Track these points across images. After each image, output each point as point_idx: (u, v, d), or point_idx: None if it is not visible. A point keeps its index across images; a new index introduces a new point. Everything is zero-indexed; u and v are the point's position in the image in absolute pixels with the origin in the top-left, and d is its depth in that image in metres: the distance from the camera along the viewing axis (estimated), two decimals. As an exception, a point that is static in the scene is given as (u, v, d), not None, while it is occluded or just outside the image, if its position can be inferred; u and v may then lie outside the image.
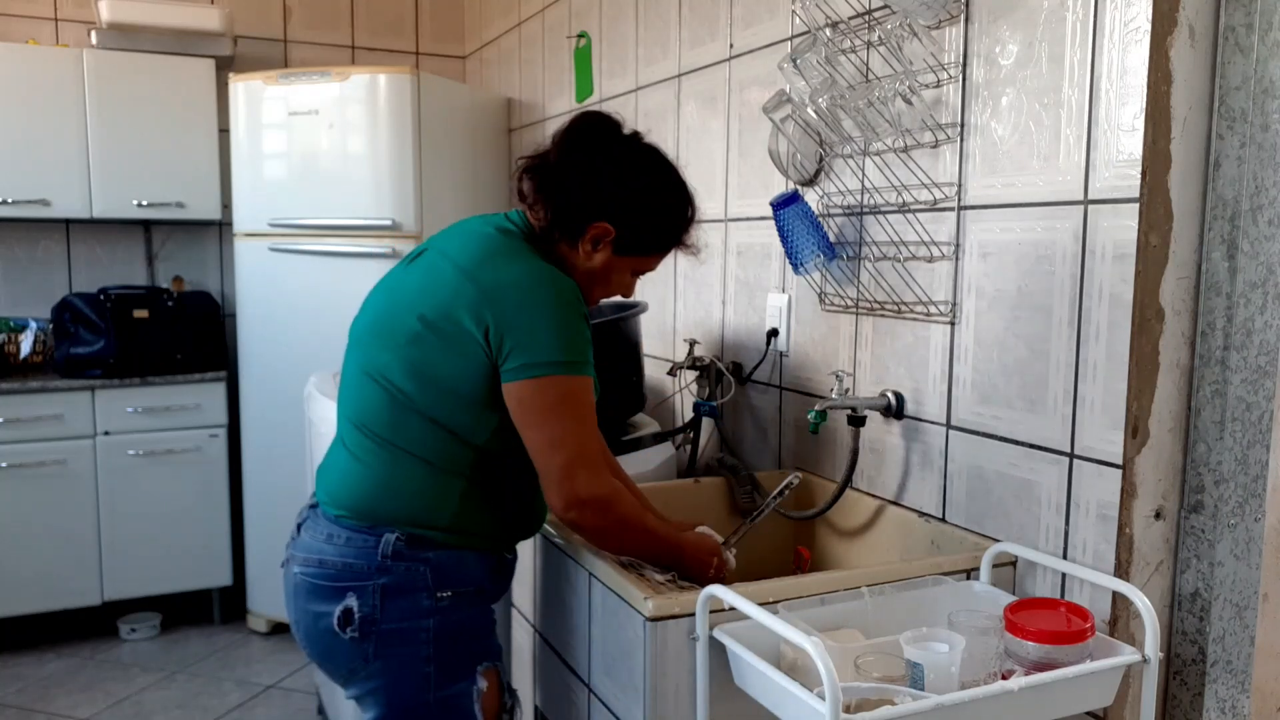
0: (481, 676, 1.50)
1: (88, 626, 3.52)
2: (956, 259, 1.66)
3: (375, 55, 4.10)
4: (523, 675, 1.86)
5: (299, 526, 1.56)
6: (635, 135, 1.55)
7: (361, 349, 1.53)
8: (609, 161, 1.50)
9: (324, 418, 2.45)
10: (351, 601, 1.44)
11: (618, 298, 1.65)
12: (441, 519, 1.46)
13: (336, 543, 1.47)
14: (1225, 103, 1.36)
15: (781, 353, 2.15)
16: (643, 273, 1.61)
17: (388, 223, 3.22)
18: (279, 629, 3.48)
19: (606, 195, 1.48)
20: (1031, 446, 1.53)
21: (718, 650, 1.30)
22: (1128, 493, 1.39)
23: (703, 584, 1.51)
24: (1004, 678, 1.21)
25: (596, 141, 1.52)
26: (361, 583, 1.44)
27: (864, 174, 1.86)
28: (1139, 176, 1.34)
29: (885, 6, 1.73)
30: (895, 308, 1.80)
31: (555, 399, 1.40)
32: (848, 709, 1.08)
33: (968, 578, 1.51)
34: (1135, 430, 1.38)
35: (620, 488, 1.49)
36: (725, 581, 1.57)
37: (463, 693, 1.49)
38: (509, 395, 1.41)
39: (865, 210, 1.87)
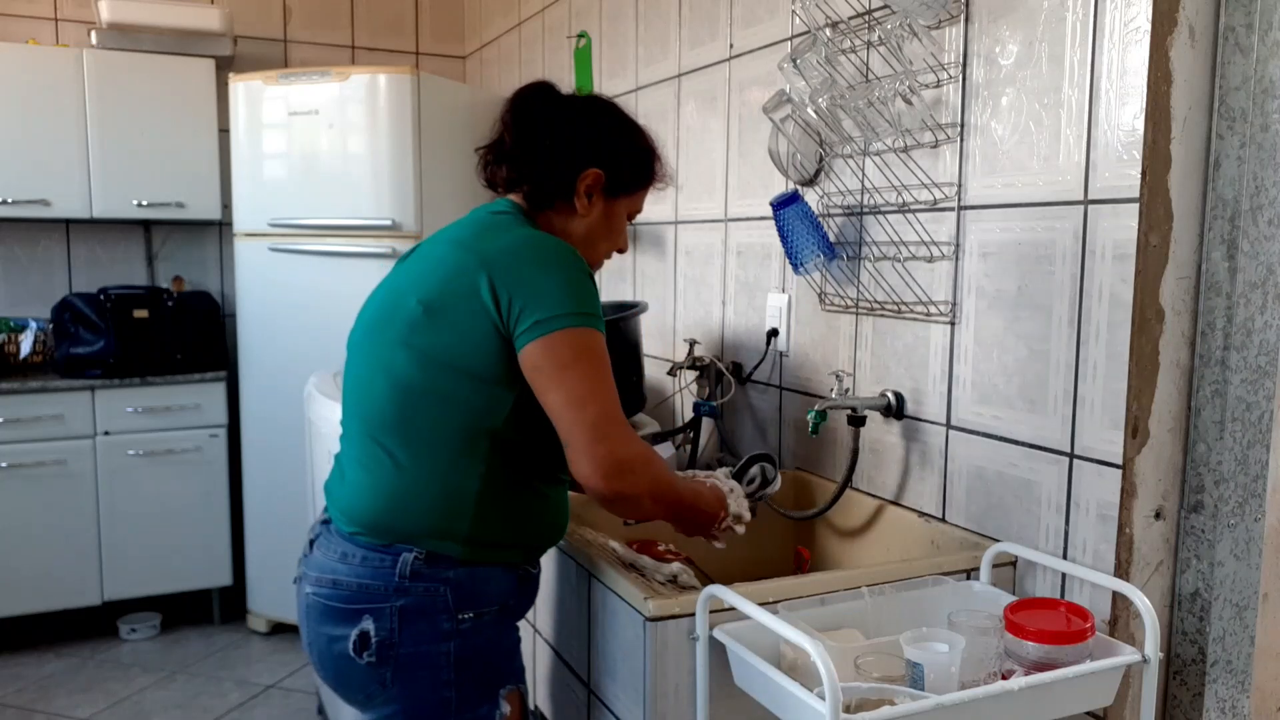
0: (504, 700, 1.44)
1: (88, 626, 3.52)
2: (956, 259, 1.66)
3: (375, 55, 4.10)
4: (523, 675, 1.86)
5: (311, 543, 1.48)
6: (573, 92, 1.57)
7: (363, 353, 1.47)
8: (568, 113, 1.50)
9: (324, 418, 2.45)
10: (368, 625, 1.37)
11: (620, 297, 1.65)
12: (460, 529, 1.38)
13: (351, 562, 1.39)
14: (1225, 103, 1.36)
15: (781, 353, 2.15)
16: (634, 215, 1.60)
17: (388, 223, 3.22)
18: (279, 629, 3.47)
19: (583, 143, 1.48)
20: (1031, 446, 1.53)
21: (718, 650, 1.30)
22: (1128, 493, 1.39)
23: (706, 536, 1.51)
24: (1004, 678, 1.20)
25: (545, 103, 1.51)
26: (378, 605, 1.37)
27: (864, 174, 1.86)
28: (1139, 176, 1.34)
29: (885, 6, 1.73)
30: (895, 308, 1.80)
31: (574, 353, 1.32)
32: (848, 709, 1.08)
33: (968, 578, 1.51)
34: (1135, 430, 1.38)
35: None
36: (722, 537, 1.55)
37: (485, 717, 1.43)
38: (526, 359, 1.33)
39: (865, 210, 1.87)
